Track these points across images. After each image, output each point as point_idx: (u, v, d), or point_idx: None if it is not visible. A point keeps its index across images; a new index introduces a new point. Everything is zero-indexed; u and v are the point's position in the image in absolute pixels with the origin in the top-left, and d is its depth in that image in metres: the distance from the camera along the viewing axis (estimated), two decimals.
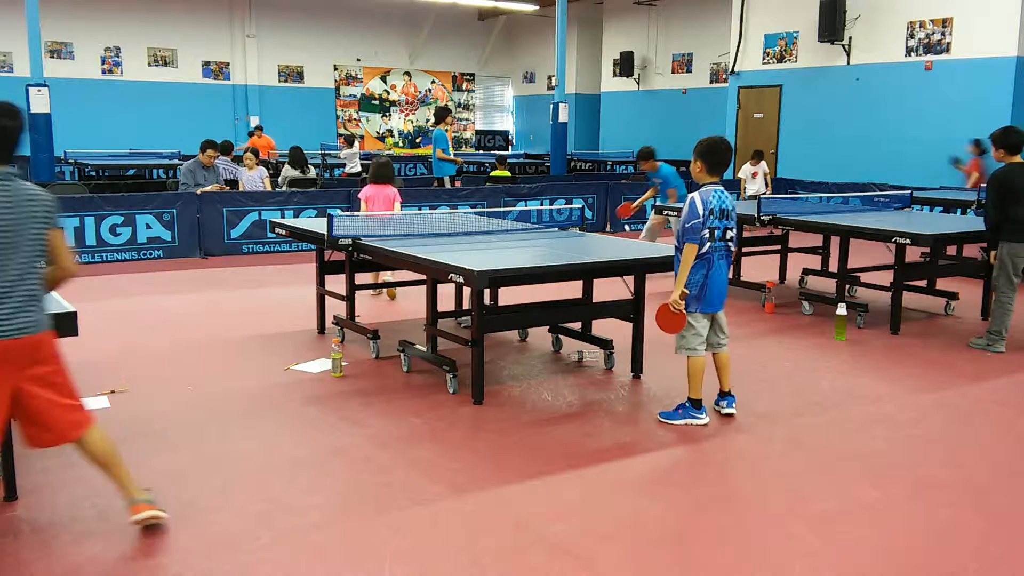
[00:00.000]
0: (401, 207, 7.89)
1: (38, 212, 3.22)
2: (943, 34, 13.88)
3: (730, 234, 4.77)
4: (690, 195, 4.74)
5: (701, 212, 4.62)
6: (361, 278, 7.09)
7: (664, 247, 6.07)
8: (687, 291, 4.67)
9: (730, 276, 8.57)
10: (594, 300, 6.16)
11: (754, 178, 13.81)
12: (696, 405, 4.82)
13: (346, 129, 23.17)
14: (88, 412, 3.46)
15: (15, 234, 3.16)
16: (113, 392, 5.27)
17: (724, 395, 4.98)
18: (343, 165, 17.23)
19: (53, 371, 3.33)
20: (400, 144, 25.52)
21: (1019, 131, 6.47)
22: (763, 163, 13.96)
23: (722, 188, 4.77)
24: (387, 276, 7.89)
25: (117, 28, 21.60)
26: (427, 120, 26.14)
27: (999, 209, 6.28)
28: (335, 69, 24.43)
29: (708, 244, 4.66)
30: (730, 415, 4.94)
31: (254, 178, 11.59)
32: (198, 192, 10.60)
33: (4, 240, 3.13)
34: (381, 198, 7.81)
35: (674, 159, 19.48)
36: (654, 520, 3.74)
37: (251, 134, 21.23)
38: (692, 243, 4.64)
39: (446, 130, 13.27)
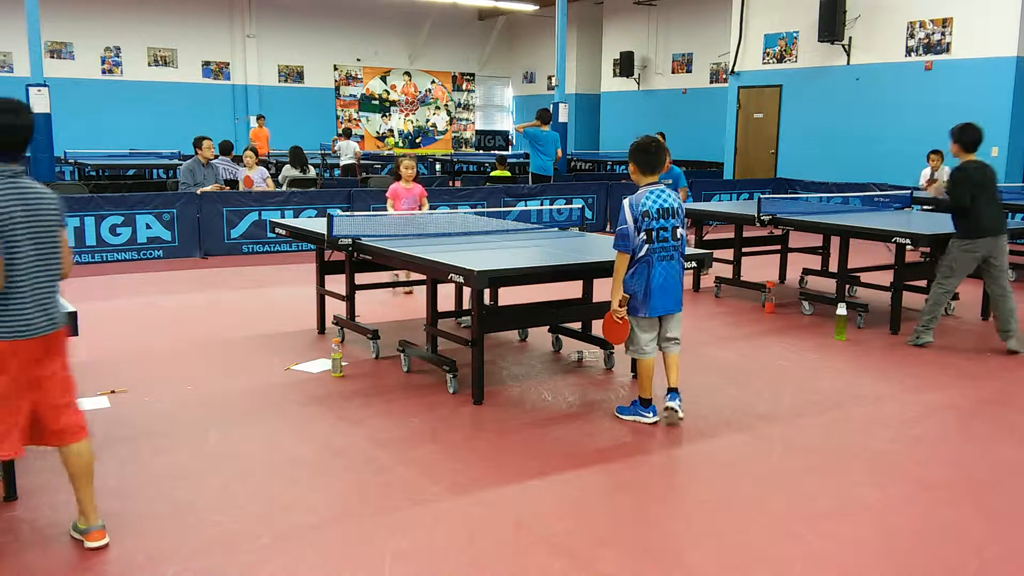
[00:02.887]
0: (405, 205, 8.10)
1: (52, 210, 3.26)
2: (943, 34, 13.88)
3: (680, 232, 4.73)
4: (623, 202, 4.70)
5: (629, 218, 4.62)
6: (372, 277, 7.07)
7: None
8: (627, 296, 4.71)
9: (729, 276, 8.66)
10: (594, 300, 6.16)
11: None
12: (644, 404, 4.86)
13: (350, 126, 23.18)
14: (85, 422, 3.44)
15: (34, 232, 3.18)
16: (113, 392, 5.27)
17: (670, 391, 4.89)
18: (340, 165, 17.19)
19: (63, 368, 3.37)
20: (400, 144, 25.50)
21: (977, 128, 6.47)
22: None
23: (661, 187, 4.73)
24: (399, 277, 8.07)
25: (117, 28, 21.60)
26: (427, 120, 26.16)
27: (967, 199, 6.28)
28: (335, 69, 24.40)
29: (646, 247, 4.63)
30: (674, 410, 4.81)
31: (255, 177, 11.59)
32: (198, 192, 10.60)
33: (24, 238, 3.15)
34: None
35: (675, 159, 19.55)
36: (654, 520, 3.74)
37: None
38: (621, 251, 4.67)
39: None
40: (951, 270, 6.49)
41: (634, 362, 5.76)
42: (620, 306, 4.71)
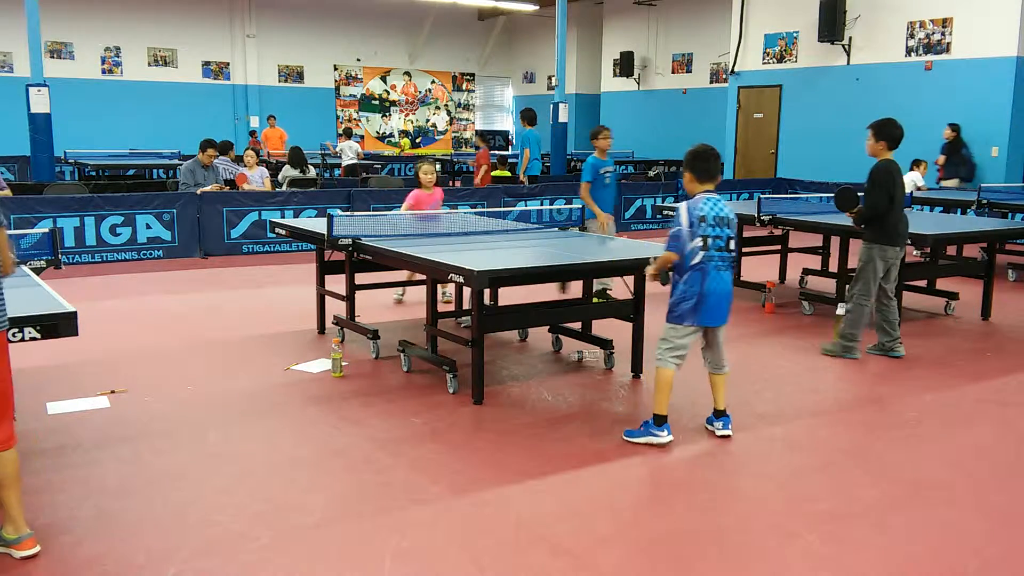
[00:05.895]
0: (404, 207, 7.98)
1: None
2: (943, 34, 13.88)
3: (732, 243, 4.58)
4: (679, 205, 4.60)
5: (685, 222, 4.47)
6: (372, 278, 7.05)
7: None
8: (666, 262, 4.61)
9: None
10: (594, 300, 6.16)
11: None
12: (658, 422, 4.56)
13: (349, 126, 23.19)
14: (14, 431, 3.33)
15: None
16: (113, 392, 5.27)
17: (719, 415, 4.72)
18: (341, 166, 17.19)
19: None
20: (413, 145, 25.53)
21: (899, 124, 6.05)
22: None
23: (716, 196, 4.57)
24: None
25: (117, 28, 21.59)
26: (427, 120, 26.17)
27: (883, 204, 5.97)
28: (335, 69, 24.43)
29: (702, 254, 4.46)
30: (726, 436, 4.64)
31: (255, 178, 11.60)
32: (198, 192, 10.60)
33: None
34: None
35: (675, 159, 19.58)
36: (654, 520, 3.74)
37: (252, 134, 21.27)
38: (673, 251, 4.52)
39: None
40: (872, 288, 6.13)
41: (635, 362, 5.76)
42: (654, 272, 4.68)
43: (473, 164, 14.68)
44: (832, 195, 6.70)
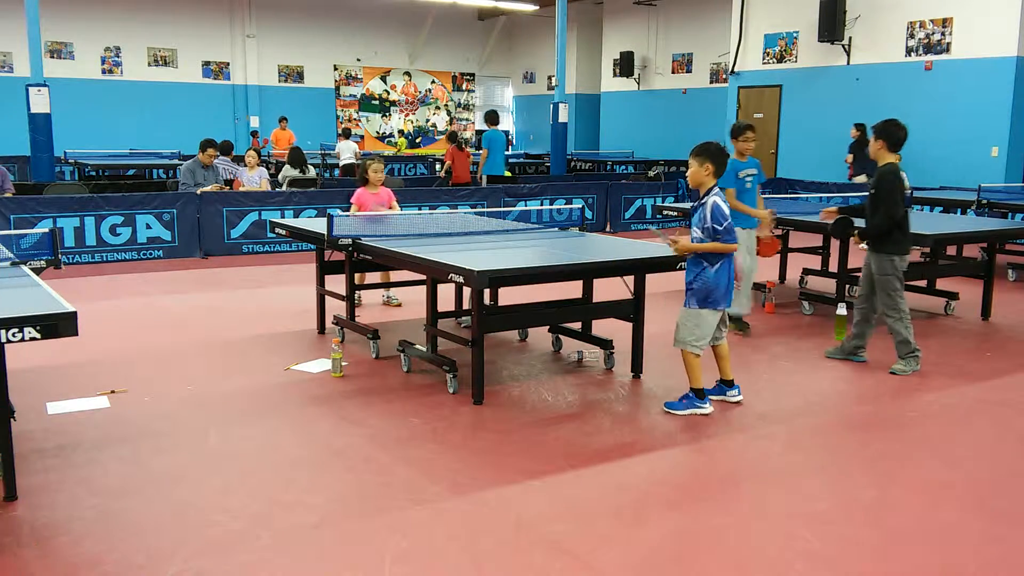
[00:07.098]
0: (401, 207, 7.95)
1: None
2: (943, 34, 13.89)
3: None
4: (711, 199, 4.85)
5: (727, 212, 4.87)
6: (370, 279, 7.05)
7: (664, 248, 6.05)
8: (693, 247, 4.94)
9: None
10: (594, 300, 6.16)
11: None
12: (700, 395, 5.00)
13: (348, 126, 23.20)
14: None
15: None
16: (113, 392, 5.27)
17: (729, 384, 5.17)
18: (339, 166, 17.20)
19: None
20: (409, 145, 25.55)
21: (901, 125, 5.76)
22: None
23: (718, 188, 4.99)
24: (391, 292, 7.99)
25: (117, 28, 21.61)
26: (427, 120, 26.18)
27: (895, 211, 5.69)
28: (335, 69, 24.45)
29: None
30: (739, 402, 5.09)
31: (253, 178, 11.60)
32: (198, 192, 10.60)
33: None
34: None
35: (675, 159, 19.58)
36: (654, 520, 3.74)
37: (253, 134, 21.27)
38: (733, 243, 4.89)
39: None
40: (899, 292, 5.84)
41: (635, 362, 5.77)
42: (681, 249, 4.98)
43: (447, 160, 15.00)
44: (830, 194, 6.66)
